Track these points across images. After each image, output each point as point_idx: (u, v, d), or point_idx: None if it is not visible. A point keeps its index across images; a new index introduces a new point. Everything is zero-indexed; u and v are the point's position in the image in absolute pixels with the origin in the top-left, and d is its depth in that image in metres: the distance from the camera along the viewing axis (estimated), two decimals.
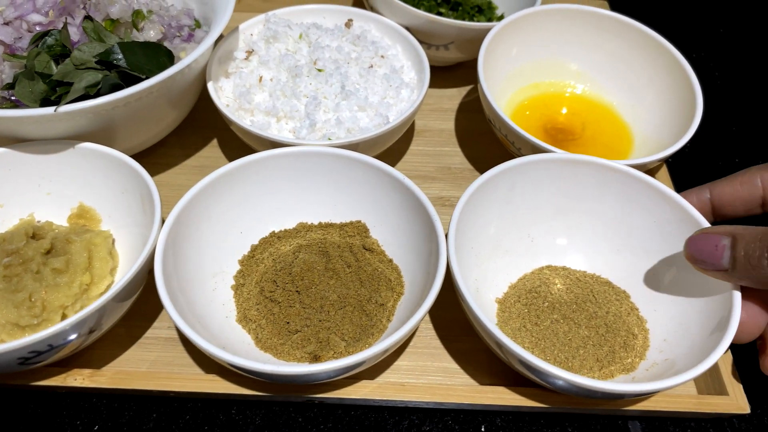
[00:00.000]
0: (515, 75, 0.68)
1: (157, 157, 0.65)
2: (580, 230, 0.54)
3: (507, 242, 0.54)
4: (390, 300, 0.50)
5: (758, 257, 0.40)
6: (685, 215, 0.48)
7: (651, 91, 0.65)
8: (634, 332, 0.49)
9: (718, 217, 0.52)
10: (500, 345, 0.42)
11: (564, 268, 0.54)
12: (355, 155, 0.53)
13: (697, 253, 0.43)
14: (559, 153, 0.52)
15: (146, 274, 0.47)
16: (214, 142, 0.67)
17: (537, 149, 0.54)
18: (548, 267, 0.54)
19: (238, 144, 0.64)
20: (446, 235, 0.47)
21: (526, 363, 0.41)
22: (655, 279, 0.51)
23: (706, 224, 0.47)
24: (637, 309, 0.51)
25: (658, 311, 0.50)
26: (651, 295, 0.51)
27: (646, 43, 0.65)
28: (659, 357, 0.46)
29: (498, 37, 0.64)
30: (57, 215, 0.55)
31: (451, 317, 0.54)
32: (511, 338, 0.48)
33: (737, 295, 0.43)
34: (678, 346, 0.46)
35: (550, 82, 0.70)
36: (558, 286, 0.52)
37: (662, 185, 0.50)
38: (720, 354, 0.40)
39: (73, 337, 0.43)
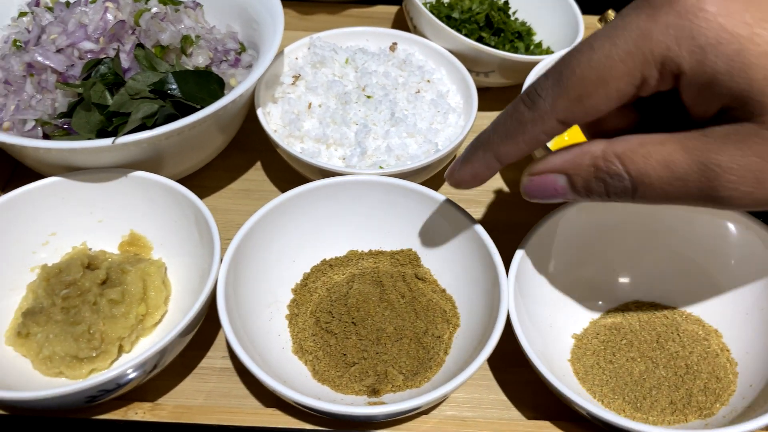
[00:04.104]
0: None
1: (201, 179, 0.65)
2: (671, 264, 0.52)
3: (587, 276, 0.53)
4: (446, 332, 0.50)
5: (598, 192, 0.38)
6: None
7: None
8: (719, 375, 0.47)
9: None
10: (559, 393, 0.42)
11: (652, 304, 0.52)
12: (406, 184, 0.53)
13: (539, 197, 0.42)
14: None
15: (208, 307, 0.47)
16: (258, 164, 0.67)
17: None
18: (635, 302, 0.53)
19: (282, 166, 0.64)
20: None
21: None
22: (749, 319, 0.49)
23: None
24: (728, 350, 0.49)
25: (750, 354, 0.48)
26: (745, 337, 0.49)
27: None
28: (741, 404, 0.45)
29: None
30: (108, 243, 0.55)
31: (500, 348, 0.53)
32: (582, 375, 0.48)
33: None
34: (763, 391, 0.44)
35: None
36: (641, 322, 0.51)
37: (756, 221, 0.48)
38: None
39: (138, 373, 0.44)
